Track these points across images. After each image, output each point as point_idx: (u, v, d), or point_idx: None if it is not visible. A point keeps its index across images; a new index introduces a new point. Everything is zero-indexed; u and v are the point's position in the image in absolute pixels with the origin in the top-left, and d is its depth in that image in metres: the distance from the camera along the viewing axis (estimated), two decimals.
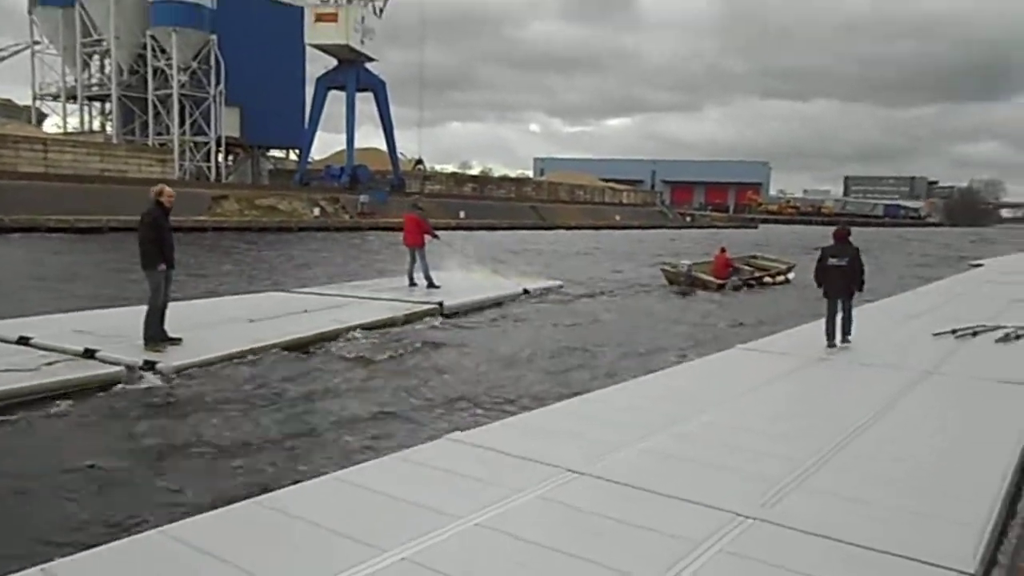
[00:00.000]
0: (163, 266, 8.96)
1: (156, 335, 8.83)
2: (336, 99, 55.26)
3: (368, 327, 11.12)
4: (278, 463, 5.79)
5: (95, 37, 53.74)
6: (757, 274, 21.65)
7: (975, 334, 11.56)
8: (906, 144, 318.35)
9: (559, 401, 7.20)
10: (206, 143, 54.27)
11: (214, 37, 52.50)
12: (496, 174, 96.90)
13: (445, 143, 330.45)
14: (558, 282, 18.32)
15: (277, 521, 4.10)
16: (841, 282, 10.15)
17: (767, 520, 4.30)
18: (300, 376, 8.51)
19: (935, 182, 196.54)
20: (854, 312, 10.33)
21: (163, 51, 52.05)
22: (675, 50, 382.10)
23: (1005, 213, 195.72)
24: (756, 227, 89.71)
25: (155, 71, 52.37)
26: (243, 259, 25.01)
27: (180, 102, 52.41)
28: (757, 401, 7.20)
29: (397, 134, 56.38)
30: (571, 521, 4.22)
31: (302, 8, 52.64)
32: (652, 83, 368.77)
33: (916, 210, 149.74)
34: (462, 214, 52.19)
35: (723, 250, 20.94)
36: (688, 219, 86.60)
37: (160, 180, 43.84)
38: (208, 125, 53.82)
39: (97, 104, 58.24)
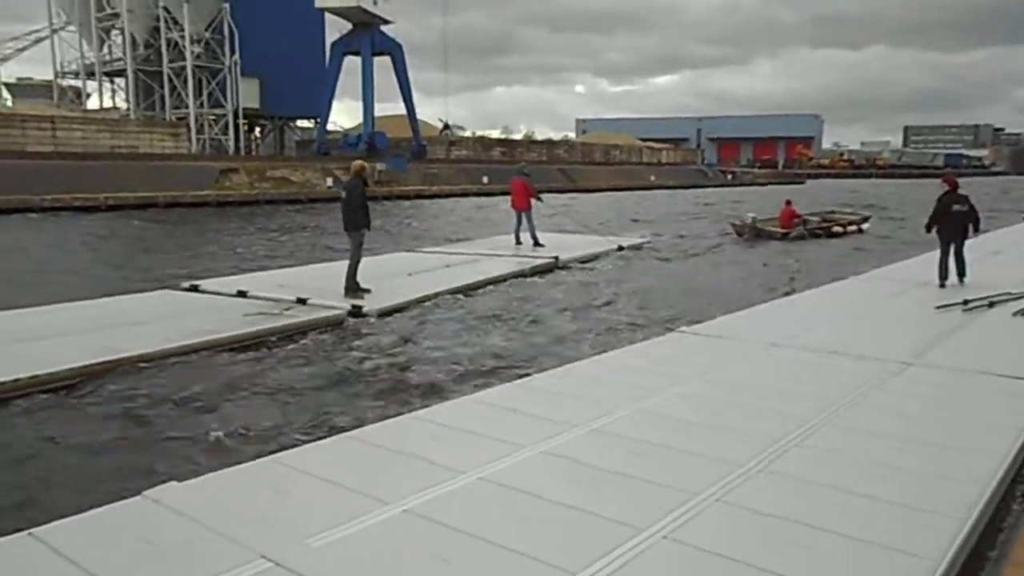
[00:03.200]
0: (365, 229, 10.71)
1: (352, 286, 10.58)
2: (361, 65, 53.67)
3: (506, 278, 13.05)
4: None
5: (109, 11, 53.03)
6: (824, 225, 23.20)
7: (991, 304, 9.66)
8: (967, 90, 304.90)
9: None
10: (224, 115, 53.37)
11: (227, 5, 51.30)
12: (540, 137, 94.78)
13: (490, 108, 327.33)
14: (647, 238, 20.08)
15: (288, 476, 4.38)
16: (959, 227, 11.16)
17: None
18: (473, 311, 10.59)
19: (1001, 129, 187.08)
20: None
21: (176, 22, 51.09)
22: (718, 2, 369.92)
23: None
24: (803, 183, 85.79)
25: (169, 43, 51.48)
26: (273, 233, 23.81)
27: (195, 74, 51.48)
28: (669, 403, 5.61)
29: (439, 100, 54.44)
30: None
31: None
32: (697, 38, 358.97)
33: (979, 159, 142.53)
34: (485, 179, 50.45)
35: (788, 203, 22.69)
36: (729, 176, 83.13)
37: (173, 155, 43.17)
38: (225, 97, 52.86)
39: (121, 80, 57.75)
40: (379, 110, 57.50)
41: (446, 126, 64.75)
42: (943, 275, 11.26)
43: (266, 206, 36.38)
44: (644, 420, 5.31)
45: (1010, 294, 10.31)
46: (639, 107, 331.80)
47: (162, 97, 52.96)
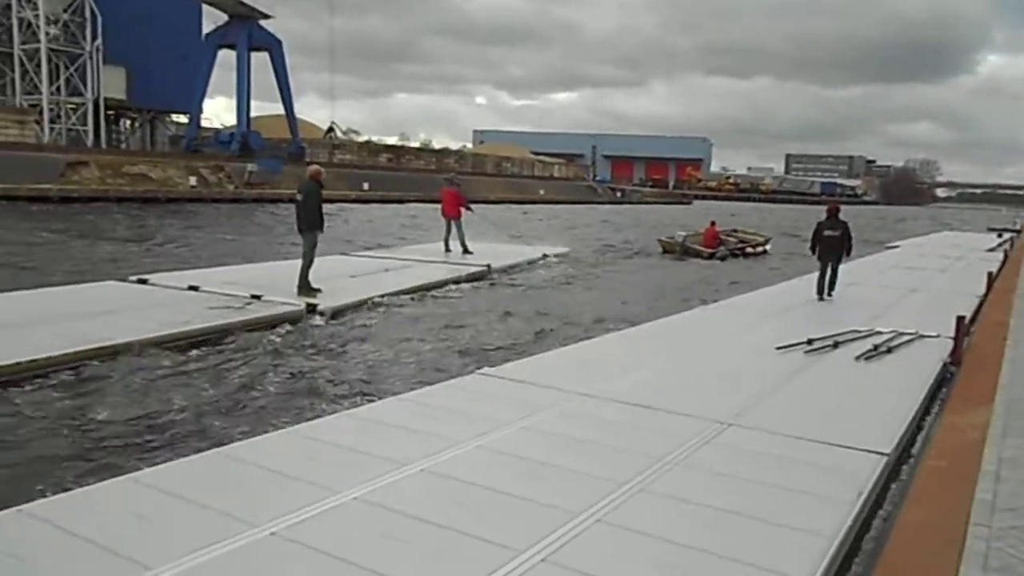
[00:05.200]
0: (319, 230, 11.24)
1: (305, 284, 11.08)
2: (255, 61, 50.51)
3: (445, 282, 13.58)
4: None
5: None
6: (740, 245, 24.87)
7: (836, 345, 8.81)
8: (843, 123, 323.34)
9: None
10: (84, 105, 49.26)
11: None
12: (438, 146, 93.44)
13: (391, 114, 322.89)
14: (568, 248, 20.63)
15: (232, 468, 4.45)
16: (833, 249, 12.52)
17: None
18: (409, 308, 11.55)
19: (873, 161, 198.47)
20: (840, 273, 12.89)
21: (29, 0, 46.84)
22: (617, 24, 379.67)
23: (940, 192, 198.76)
24: (690, 203, 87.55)
25: (21, 23, 47.10)
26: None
27: (50, 58, 47.28)
28: (401, 490, 4.18)
29: (338, 104, 51.96)
30: None
31: None
32: (596, 58, 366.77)
33: (853, 188, 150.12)
34: (365, 185, 48.50)
35: (713, 224, 23.98)
36: (619, 194, 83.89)
37: (16, 144, 39.20)
38: (85, 85, 48.82)
39: None
40: (264, 109, 54.87)
41: (330, 129, 62.18)
42: (820, 290, 12.66)
43: (120, 203, 33.32)
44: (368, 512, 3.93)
45: (857, 332, 9.58)
46: (539, 122, 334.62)
47: (13, 81, 48.44)
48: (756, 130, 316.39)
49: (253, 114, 53.29)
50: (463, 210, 17.19)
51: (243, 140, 46.50)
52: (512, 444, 5.05)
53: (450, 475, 4.49)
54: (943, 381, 7.75)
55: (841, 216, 12.77)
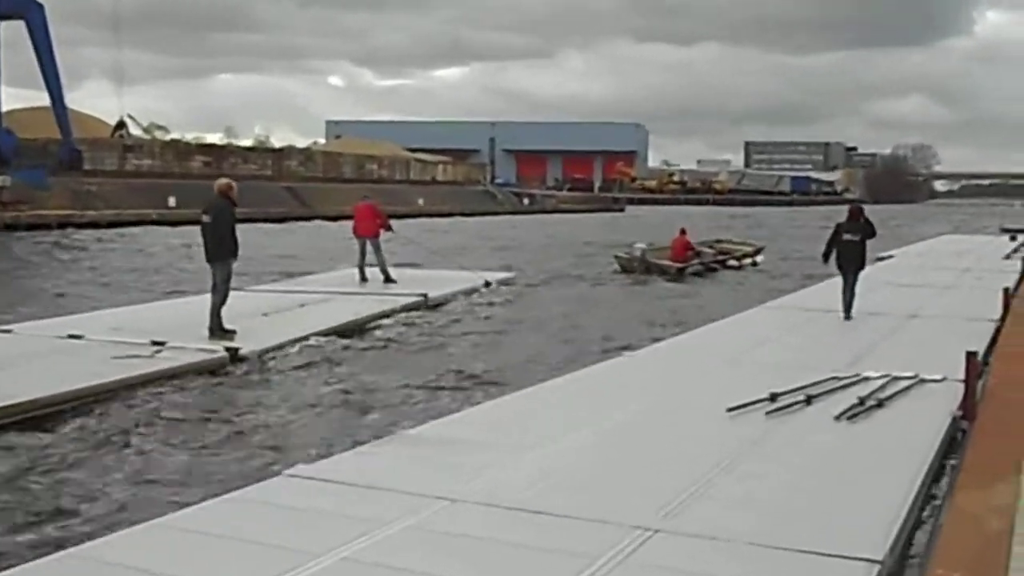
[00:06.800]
0: (233, 258, 12.37)
1: (216, 326, 12.08)
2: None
3: (376, 317, 15.17)
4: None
5: None
6: (720, 257, 26.65)
7: (809, 400, 8.61)
8: (815, 100, 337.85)
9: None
10: None
11: None
12: (280, 144, 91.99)
13: (213, 102, 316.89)
14: (512, 273, 22.82)
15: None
16: (853, 256, 14.17)
17: None
18: (343, 352, 12.72)
19: (854, 148, 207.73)
20: (857, 288, 14.33)
21: None
22: None
23: (939, 185, 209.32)
24: (622, 210, 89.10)
25: None
26: None
27: None
28: None
29: (142, 90, 50.15)
30: None
31: None
32: (492, 22, 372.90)
33: (831, 183, 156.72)
34: (171, 201, 47.23)
35: (683, 232, 25.60)
36: (526, 201, 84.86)
37: None
38: None
39: None
40: (28, 99, 52.60)
41: (120, 124, 60.31)
42: (847, 306, 14.15)
43: None
44: None
45: (838, 379, 9.45)
46: (416, 107, 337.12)
47: None
48: (706, 112, 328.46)
49: (8, 106, 51.10)
50: (382, 230, 18.46)
51: None
52: None
53: None
54: (952, 444, 7.61)
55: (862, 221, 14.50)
